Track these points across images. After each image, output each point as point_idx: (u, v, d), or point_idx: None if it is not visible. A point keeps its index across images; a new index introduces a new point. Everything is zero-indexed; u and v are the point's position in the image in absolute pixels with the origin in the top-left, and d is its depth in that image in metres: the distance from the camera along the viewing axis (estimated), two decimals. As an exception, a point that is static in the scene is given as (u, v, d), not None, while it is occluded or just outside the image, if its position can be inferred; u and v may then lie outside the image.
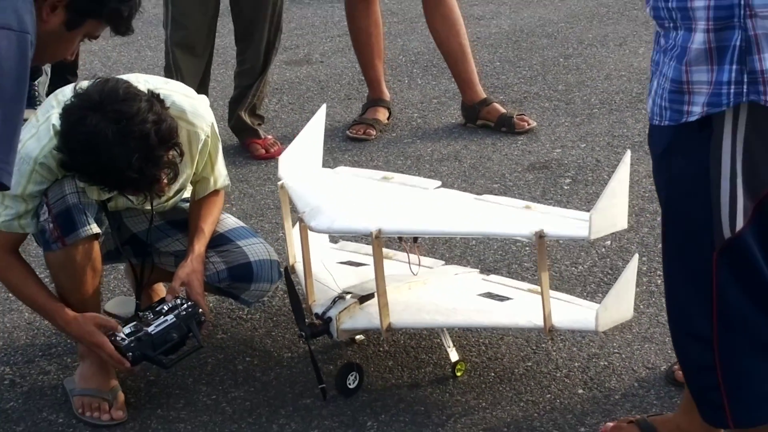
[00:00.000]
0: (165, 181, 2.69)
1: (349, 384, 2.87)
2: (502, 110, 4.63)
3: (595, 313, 2.70)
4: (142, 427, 2.80)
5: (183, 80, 4.23)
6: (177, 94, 2.88)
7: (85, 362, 2.88)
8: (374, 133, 4.65)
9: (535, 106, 4.87)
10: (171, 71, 4.30)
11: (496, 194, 3.61)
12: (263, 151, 4.47)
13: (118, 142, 2.53)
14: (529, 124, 4.52)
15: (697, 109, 1.92)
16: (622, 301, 2.74)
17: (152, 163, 2.60)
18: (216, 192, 3.03)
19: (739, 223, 1.96)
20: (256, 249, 3.00)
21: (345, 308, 2.83)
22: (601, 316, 2.69)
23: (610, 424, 2.64)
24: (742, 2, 1.85)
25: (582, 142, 4.41)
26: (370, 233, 2.76)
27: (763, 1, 1.85)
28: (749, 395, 2.10)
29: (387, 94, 4.84)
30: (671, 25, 1.95)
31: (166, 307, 2.82)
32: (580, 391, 2.86)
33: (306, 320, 2.83)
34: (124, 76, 2.83)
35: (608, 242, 3.50)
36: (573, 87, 4.97)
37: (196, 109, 2.89)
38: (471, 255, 3.59)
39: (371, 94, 4.81)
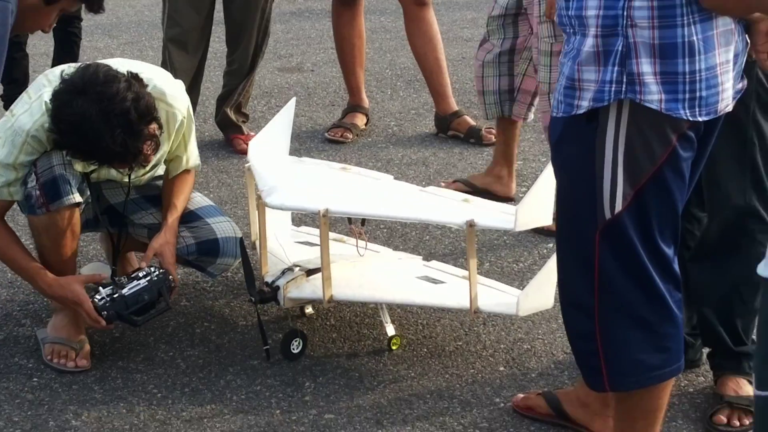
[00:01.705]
0: (148, 151, 2.83)
1: (293, 349, 3.04)
2: (472, 123, 4.80)
3: (517, 299, 2.89)
4: (102, 375, 2.99)
5: (176, 76, 4.37)
6: (157, 78, 3.03)
7: (58, 315, 3.06)
8: (351, 136, 4.81)
9: (504, 123, 5.04)
10: (165, 67, 4.35)
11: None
12: (245, 146, 4.51)
13: (101, 121, 2.70)
14: (495, 137, 4.63)
15: (585, 104, 2.09)
16: (543, 291, 2.90)
17: (134, 136, 2.75)
18: (187, 171, 3.20)
19: (618, 206, 2.12)
20: (223, 227, 3.18)
21: (292, 279, 3.00)
22: (522, 302, 2.87)
23: (521, 395, 2.84)
24: (625, 13, 2.03)
25: (543, 156, 4.54)
26: (317, 212, 2.94)
27: (641, 14, 2.02)
28: (624, 363, 2.25)
29: (366, 101, 4.99)
30: (571, 30, 2.13)
31: (141, 274, 2.99)
32: (502, 368, 3.05)
33: (257, 287, 3.01)
34: (107, 61, 2.99)
35: (550, 244, 3.64)
36: None
37: (174, 92, 3.05)
38: (422, 248, 3.76)
39: (351, 100, 4.96)
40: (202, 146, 4.67)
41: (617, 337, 2.24)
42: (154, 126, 2.83)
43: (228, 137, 4.75)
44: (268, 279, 3.04)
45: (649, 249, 2.19)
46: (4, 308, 3.36)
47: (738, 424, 2.73)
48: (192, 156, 3.21)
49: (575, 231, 2.23)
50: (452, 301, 3.00)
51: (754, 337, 2.83)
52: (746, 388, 2.78)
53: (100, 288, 2.96)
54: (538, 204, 2.90)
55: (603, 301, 2.22)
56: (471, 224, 2.86)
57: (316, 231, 3.37)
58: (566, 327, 2.36)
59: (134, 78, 2.84)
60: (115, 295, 2.92)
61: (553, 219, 2.83)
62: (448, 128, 4.83)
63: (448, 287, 3.07)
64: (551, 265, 2.77)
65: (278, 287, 2.99)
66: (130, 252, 3.44)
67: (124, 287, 2.95)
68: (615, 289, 2.21)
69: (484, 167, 4.41)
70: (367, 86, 5.17)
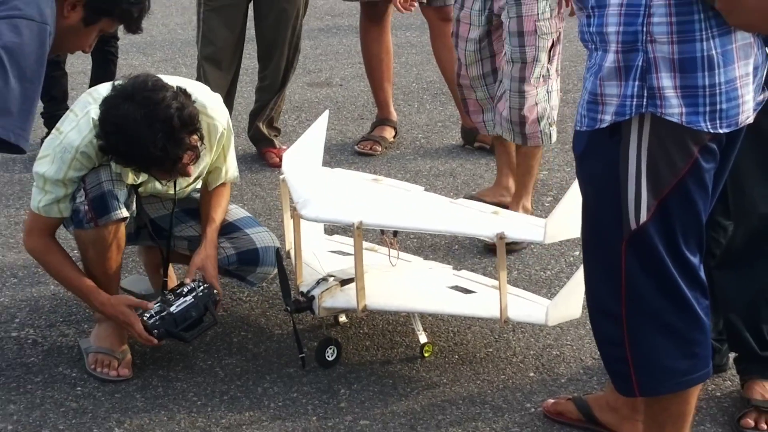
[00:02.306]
0: (187, 162, 2.87)
1: (328, 357, 3.07)
2: None
3: (546, 309, 2.92)
4: (144, 384, 3.03)
5: None
6: (198, 91, 3.07)
7: (101, 325, 3.09)
8: (380, 149, 4.85)
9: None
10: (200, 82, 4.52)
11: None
12: (277, 159, 4.56)
13: (145, 124, 2.76)
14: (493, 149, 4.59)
15: (607, 118, 2.11)
16: (571, 301, 2.91)
17: (175, 143, 2.80)
18: (224, 184, 3.23)
19: (643, 217, 2.13)
20: (262, 237, 3.21)
21: (327, 289, 3.03)
22: (551, 312, 2.90)
23: (551, 400, 2.86)
24: (644, 29, 2.06)
25: (568, 167, 4.60)
26: (352, 224, 2.97)
27: (660, 29, 2.05)
28: (653, 368, 2.26)
29: (394, 115, 5.02)
30: (593, 47, 2.15)
31: (185, 290, 3.04)
32: (532, 374, 3.07)
33: (292, 297, 3.04)
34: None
35: (576, 252, 3.68)
36: (567, 118, 5.10)
37: (215, 105, 3.11)
38: (452, 257, 3.78)
39: (379, 113, 4.99)
40: (237, 159, 4.74)
41: (645, 343, 2.26)
42: (195, 137, 2.88)
43: (260, 151, 4.79)
44: (303, 289, 3.07)
45: (675, 257, 2.20)
46: (48, 319, 3.41)
47: (765, 427, 2.74)
48: (231, 168, 3.25)
49: (602, 241, 2.24)
50: (482, 310, 3.02)
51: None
52: (773, 393, 2.82)
53: (154, 305, 3.02)
54: (567, 216, 2.86)
55: (630, 309, 2.24)
56: (501, 237, 2.88)
57: (349, 240, 3.40)
58: (594, 334, 2.38)
59: (181, 90, 2.89)
60: (164, 313, 2.98)
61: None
62: (474, 140, 4.85)
63: (479, 297, 3.09)
64: (579, 276, 2.78)
65: (313, 297, 3.02)
66: (170, 267, 3.45)
67: (171, 305, 3.00)
68: (642, 297, 2.23)
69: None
70: (394, 100, 5.20)
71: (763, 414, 2.77)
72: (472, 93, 4.07)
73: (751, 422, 2.76)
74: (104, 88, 3.04)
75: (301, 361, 3.07)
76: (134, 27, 2.30)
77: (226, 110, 3.18)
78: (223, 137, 3.13)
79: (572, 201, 2.79)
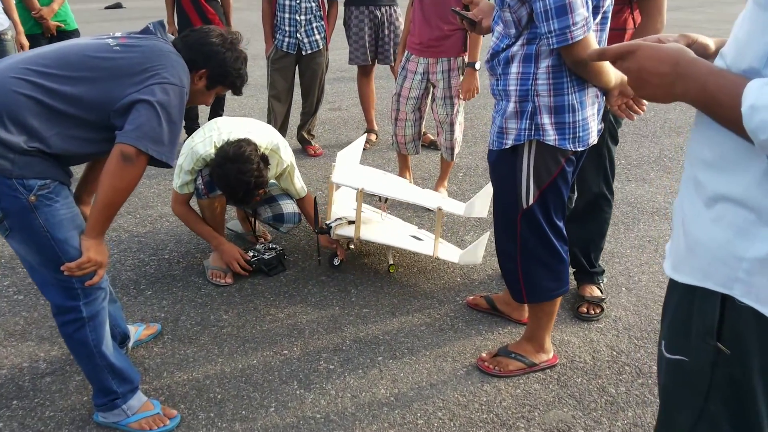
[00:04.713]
0: (257, 197, 2.64)
1: (335, 263, 2.88)
2: (432, 138, 4.55)
3: (458, 255, 2.71)
4: (241, 286, 2.78)
5: (276, 117, 4.18)
6: (277, 137, 2.80)
7: (215, 254, 2.84)
8: (368, 146, 4.60)
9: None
10: (269, 112, 4.22)
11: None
12: (312, 152, 4.43)
13: (234, 183, 2.52)
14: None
15: (509, 142, 1.87)
16: (477, 252, 2.68)
17: (249, 196, 2.57)
18: (304, 197, 2.96)
19: (531, 201, 1.93)
20: (287, 206, 2.94)
21: (339, 224, 2.80)
22: (461, 257, 2.69)
23: (471, 297, 2.65)
24: (533, 88, 1.81)
25: (469, 156, 4.35)
26: (357, 188, 2.73)
27: (543, 88, 1.80)
28: (535, 287, 2.08)
29: (376, 126, 4.75)
30: (499, 98, 1.90)
31: (270, 246, 2.91)
32: (458, 279, 2.85)
33: (318, 225, 2.84)
34: (254, 127, 2.74)
35: (487, 232, 3.42)
36: (478, 138, 4.88)
37: (284, 148, 2.80)
38: (416, 221, 3.51)
39: (368, 126, 4.73)
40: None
41: (531, 272, 2.06)
42: (263, 191, 2.62)
43: (303, 147, 4.52)
44: (327, 222, 2.84)
45: (549, 223, 1.98)
46: (186, 247, 3.14)
47: (593, 312, 2.54)
48: (299, 188, 2.92)
49: (506, 214, 2.00)
50: (425, 250, 2.75)
51: (600, 263, 2.68)
52: (596, 292, 2.62)
53: (250, 252, 2.85)
54: (476, 204, 2.73)
55: (523, 253, 2.02)
56: (439, 208, 2.67)
57: (366, 206, 3.17)
58: (500, 265, 2.13)
59: (263, 160, 2.59)
60: (259, 257, 2.83)
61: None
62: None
63: (425, 243, 2.83)
64: (482, 239, 2.63)
65: (330, 226, 2.80)
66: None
67: (264, 254, 2.85)
68: (529, 247, 2.01)
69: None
70: (375, 118, 4.98)
71: (591, 304, 2.57)
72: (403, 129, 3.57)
73: (585, 309, 2.56)
74: (222, 121, 2.78)
75: (318, 262, 2.89)
76: (238, 92, 2.04)
77: (290, 152, 2.85)
78: (286, 170, 2.83)
79: (479, 197, 2.67)
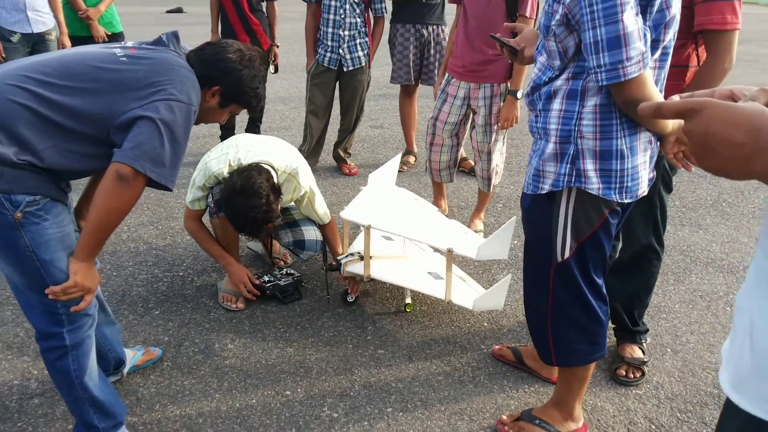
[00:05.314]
0: (266, 228, 2.48)
1: (348, 299, 2.70)
2: (472, 163, 4.21)
3: (472, 301, 2.41)
4: (252, 313, 2.64)
5: (312, 132, 4.07)
6: (299, 163, 2.63)
7: (227, 276, 2.71)
8: (406, 168, 4.45)
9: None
10: (307, 127, 4.10)
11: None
12: (347, 171, 4.28)
13: (243, 215, 2.38)
14: None
15: (546, 187, 1.67)
16: (496, 296, 2.37)
17: (256, 231, 2.44)
18: (327, 224, 2.79)
19: (566, 254, 1.71)
20: (310, 232, 2.77)
21: (350, 260, 2.62)
22: (475, 303, 2.38)
23: (497, 346, 2.44)
24: (576, 129, 1.60)
25: (511, 185, 4.10)
26: (365, 225, 2.56)
27: (588, 129, 1.58)
28: (566, 350, 1.85)
29: (415, 147, 4.59)
30: (538, 137, 1.69)
31: (287, 272, 2.75)
32: (485, 324, 2.63)
33: (328, 262, 2.69)
34: (274, 148, 2.60)
35: (507, 273, 3.22)
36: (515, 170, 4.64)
37: (303, 173, 2.63)
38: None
39: (407, 146, 4.58)
40: (324, 170, 4.33)
41: (562, 333, 1.83)
42: (271, 224, 2.46)
43: (339, 165, 4.37)
44: (338, 257, 2.67)
45: (587, 280, 1.75)
46: (202, 265, 3.01)
47: (632, 375, 2.28)
48: (321, 214, 2.74)
49: (537, 266, 1.78)
50: (439, 293, 2.49)
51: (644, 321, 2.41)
52: (637, 353, 2.35)
53: (265, 276, 2.71)
54: (492, 246, 2.34)
55: (554, 311, 1.79)
56: (449, 250, 2.42)
57: (381, 235, 2.93)
58: (528, 324, 1.91)
59: (274, 191, 2.42)
60: (275, 282, 2.69)
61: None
62: (460, 167, 4.32)
63: (440, 284, 2.55)
64: (503, 283, 2.33)
65: (341, 263, 2.61)
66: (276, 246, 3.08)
67: (280, 280, 2.70)
68: (562, 305, 1.78)
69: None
70: (415, 139, 4.80)
71: (631, 367, 2.31)
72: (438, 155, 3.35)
73: (623, 372, 2.30)
74: (242, 138, 2.63)
75: (326, 301, 2.70)
76: (254, 111, 1.90)
77: (309, 176, 2.66)
78: (305, 196, 2.64)
79: (497, 236, 2.30)
